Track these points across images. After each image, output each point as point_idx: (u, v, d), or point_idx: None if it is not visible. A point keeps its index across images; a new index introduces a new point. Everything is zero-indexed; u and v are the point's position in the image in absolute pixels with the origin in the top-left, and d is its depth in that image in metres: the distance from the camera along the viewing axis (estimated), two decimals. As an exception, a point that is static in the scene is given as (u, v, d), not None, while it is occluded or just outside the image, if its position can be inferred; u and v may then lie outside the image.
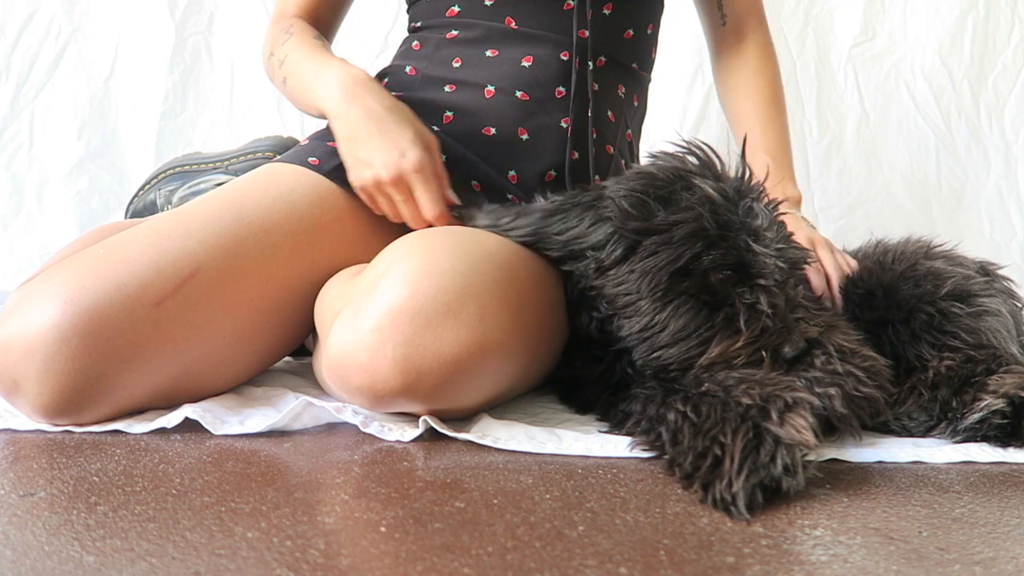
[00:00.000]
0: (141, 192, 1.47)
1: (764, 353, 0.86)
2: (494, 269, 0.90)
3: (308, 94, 1.11)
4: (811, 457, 0.76)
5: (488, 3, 1.19)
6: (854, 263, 1.13)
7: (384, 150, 1.02)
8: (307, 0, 1.26)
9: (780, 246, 0.90)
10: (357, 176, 1.05)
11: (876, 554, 0.61)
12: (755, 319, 0.87)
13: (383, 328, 0.82)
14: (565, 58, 1.17)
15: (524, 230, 0.97)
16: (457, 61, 1.20)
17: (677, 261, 0.87)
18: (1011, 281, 1.13)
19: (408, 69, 1.23)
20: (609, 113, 1.22)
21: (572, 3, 1.17)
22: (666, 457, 0.79)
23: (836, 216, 2.09)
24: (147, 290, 0.89)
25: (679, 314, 0.88)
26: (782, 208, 0.97)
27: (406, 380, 0.83)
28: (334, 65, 1.09)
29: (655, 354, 0.90)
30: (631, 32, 1.23)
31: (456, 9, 1.21)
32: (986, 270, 1.12)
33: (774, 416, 0.75)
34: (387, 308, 0.83)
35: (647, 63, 1.30)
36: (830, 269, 1.11)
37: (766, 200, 0.94)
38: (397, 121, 1.04)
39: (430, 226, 1.03)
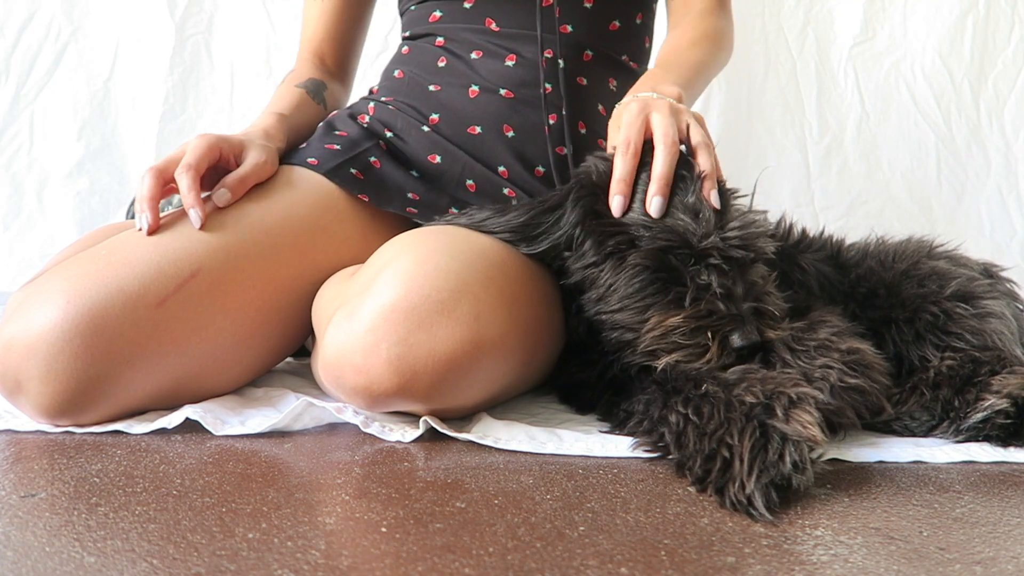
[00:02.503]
0: (141, 193, 1.47)
1: (709, 335, 0.86)
2: (489, 267, 0.90)
3: None
4: (818, 452, 0.76)
5: (467, 6, 1.19)
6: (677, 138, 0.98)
7: None
8: (312, 41, 1.35)
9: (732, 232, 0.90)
10: None
11: (877, 554, 0.61)
12: (702, 298, 0.87)
13: (377, 328, 0.83)
14: (549, 55, 1.17)
15: (504, 235, 0.98)
16: (443, 61, 1.20)
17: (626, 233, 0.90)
18: (1014, 283, 1.13)
19: (396, 73, 1.25)
20: (600, 107, 1.22)
21: (550, 0, 1.17)
22: (670, 458, 0.80)
23: (836, 216, 2.09)
24: (149, 290, 0.89)
25: (631, 283, 0.90)
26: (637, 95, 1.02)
27: (401, 380, 0.83)
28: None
29: (603, 316, 0.92)
30: (617, 24, 1.23)
31: (438, 14, 1.22)
32: (989, 272, 1.12)
33: (779, 413, 0.75)
34: (381, 308, 0.83)
35: (639, 55, 1.29)
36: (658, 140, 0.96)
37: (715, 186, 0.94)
38: None
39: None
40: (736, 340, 0.85)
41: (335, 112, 1.24)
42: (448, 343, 0.83)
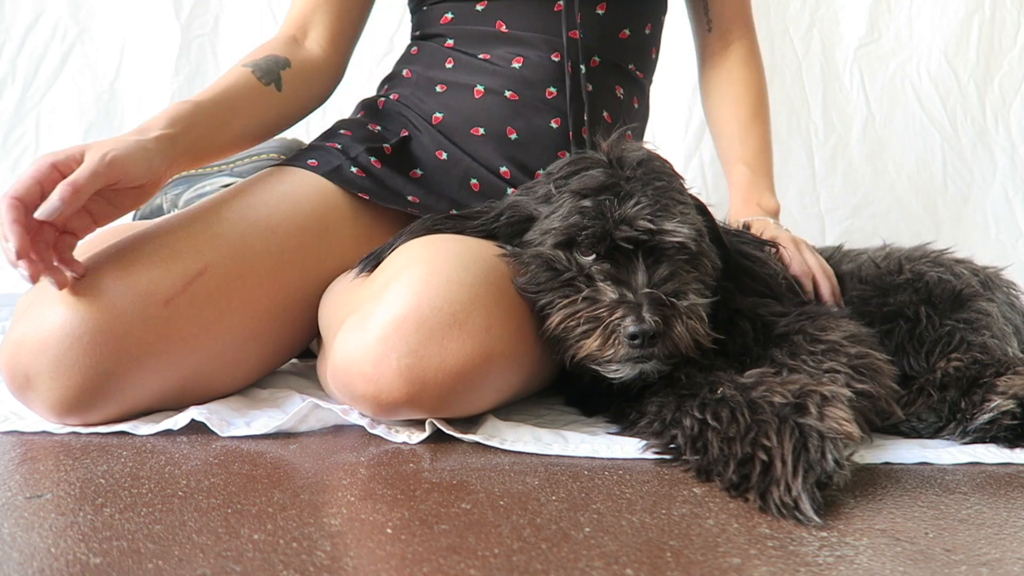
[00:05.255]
0: (147, 195, 1.47)
1: (601, 327, 0.84)
2: (500, 278, 0.90)
3: None
4: (852, 448, 0.75)
5: (479, 8, 1.19)
6: (829, 269, 1.13)
7: None
8: (301, 7, 1.20)
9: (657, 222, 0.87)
10: None
11: (882, 555, 0.61)
12: (587, 287, 0.87)
13: (388, 338, 0.82)
14: (556, 59, 1.17)
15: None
16: (450, 62, 1.20)
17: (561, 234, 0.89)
18: (1013, 285, 1.13)
19: (404, 72, 1.25)
20: (605, 113, 1.21)
21: (562, 4, 1.17)
22: (684, 458, 0.79)
23: (842, 217, 2.09)
24: (157, 288, 0.90)
25: (538, 291, 0.90)
26: (753, 218, 1.05)
27: (410, 390, 0.83)
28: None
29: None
30: (627, 32, 1.22)
31: (450, 16, 1.22)
32: (986, 274, 1.12)
33: (813, 411, 0.75)
34: (393, 318, 0.83)
35: (646, 65, 1.29)
36: (817, 272, 1.10)
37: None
38: None
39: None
40: (628, 326, 0.83)
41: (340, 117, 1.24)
42: (459, 356, 0.83)
